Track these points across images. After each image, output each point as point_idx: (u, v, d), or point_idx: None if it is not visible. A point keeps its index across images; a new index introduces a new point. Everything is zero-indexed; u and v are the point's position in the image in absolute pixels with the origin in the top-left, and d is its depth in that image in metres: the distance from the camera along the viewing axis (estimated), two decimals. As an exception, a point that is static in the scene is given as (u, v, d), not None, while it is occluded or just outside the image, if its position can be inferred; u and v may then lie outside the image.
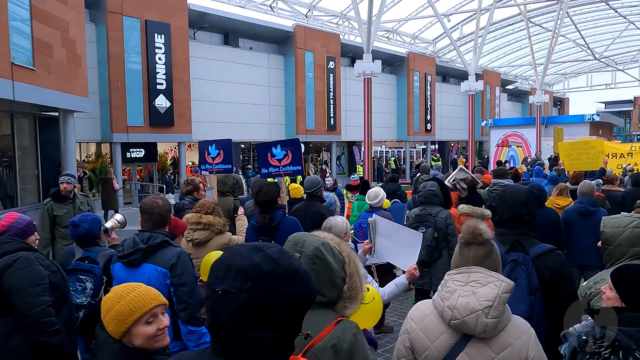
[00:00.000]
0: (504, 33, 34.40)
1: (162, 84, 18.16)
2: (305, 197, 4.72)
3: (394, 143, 32.70)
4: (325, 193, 7.06)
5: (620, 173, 10.30)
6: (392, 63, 30.84)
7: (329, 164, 26.29)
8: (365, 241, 3.27)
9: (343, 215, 6.67)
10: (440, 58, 33.90)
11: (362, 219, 5.12)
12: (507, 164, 16.78)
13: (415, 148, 34.19)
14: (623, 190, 7.86)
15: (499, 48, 37.31)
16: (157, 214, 2.69)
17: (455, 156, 35.37)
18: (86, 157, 18.96)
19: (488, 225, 4.74)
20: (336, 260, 1.64)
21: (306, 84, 23.84)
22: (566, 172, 9.45)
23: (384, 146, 32.68)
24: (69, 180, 5.58)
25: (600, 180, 7.58)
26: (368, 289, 1.82)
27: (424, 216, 4.36)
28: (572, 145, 9.52)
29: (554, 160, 13.07)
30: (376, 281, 3.18)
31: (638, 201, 5.09)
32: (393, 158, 30.17)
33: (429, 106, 32.07)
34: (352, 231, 5.17)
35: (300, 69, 23.51)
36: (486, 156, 32.23)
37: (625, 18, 30.71)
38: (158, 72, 18.06)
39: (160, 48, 18.06)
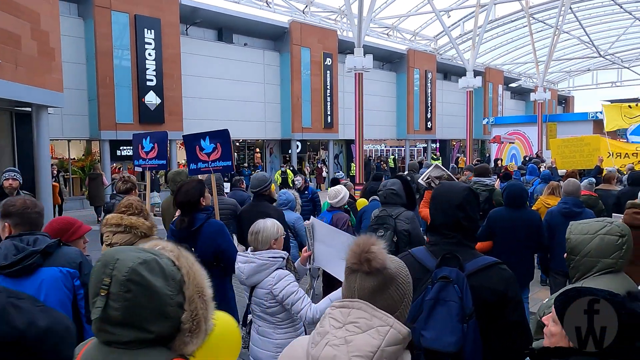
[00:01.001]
0: (506, 30, 33.78)
1: (152, 80, 17.79)
2: (252, 197, 4.25)
3: (394, 142, 32.18)
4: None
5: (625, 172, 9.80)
6: (391, 60, 30.35)
7: (326, 163, 25.84)
8: (304, 248, 2.84)
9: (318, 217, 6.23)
10: (442, 55, 33.34)
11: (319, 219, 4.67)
12: (499, 163, 16.21)
13: (415, 147, 33.66)
14: (620, 189, 7.37)
15: (502, 45, 36.70)
16: (35, 213, 2.31)
17: (458, 155, 34.84)
18: (82, 155, 18.60)
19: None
20: (168, 282, 1.20)
21: (302, 81, 23.40)
22: (558, 171, 8.94)
23: (383, 145, 32.16)
24: (14, 177, 5.20)
25: (593, 179, 7.07)
26: (215, 316, 1.35)
27: (384, 218, 3.90)
28: (564, 143, 9.01)
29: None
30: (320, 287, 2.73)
31: (629, 202, 4.60)
32: (392, 157, 29.65)
33: (429, 104, 31.53)
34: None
35: (296, 65, 23.07)
36: (488, 155, 31.69)
37: (631, 14, 30.01)
38: (148, 69, 17.69)
39: (150, 44, 17.69)
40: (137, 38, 17.31)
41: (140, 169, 5.20)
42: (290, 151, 23.79)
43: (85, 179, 15.57)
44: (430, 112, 31.78)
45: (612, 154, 11.99)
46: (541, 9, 29.27)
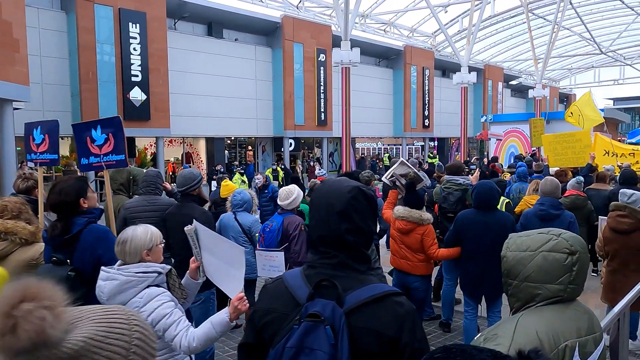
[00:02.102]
0: (506, 26, 33.18)
1: (137, 75, 17.31)
2: (179, 198, 3.75)
3: (391, 140, 31.65)
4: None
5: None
6: (388, 56, 29.80)
7: (320, 161, 25.32)
8: (192, 258, 2.35)
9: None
10: (440, 52, 32.75)
11: (268, 223, 4.17)
12: (487, 160, 15.57)
13: (413, 145, 33.13)
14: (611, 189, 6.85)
15: (502, 42, 36.08)
16: None
17: (456, 153, 34.25)
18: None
19: (428, 233, 3.79)
20: None
21: (295, 77, 22.88)
22: (550, 169, 8.39)
23: (380, 143, 31.64)
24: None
25: (581, 178, 6.54)
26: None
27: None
28: (556, 138, 8.46)
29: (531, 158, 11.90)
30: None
31: (612, 204, 4.09)
32: (387, 154, 29.12)
33: (426, 101, 30.97)
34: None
35: (289, 61, 22.56)
36: (486, 153, 31.10)
37: (633, 9, 29.38)
38: (133, 64, 17.21)
39: (135, 38, 17.21)
40: (122, 32, 16.83)
41: (32, 164, 4.61)
42: (282, 149, 23.30)
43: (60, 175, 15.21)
44: (428, 110, 31.22)
45: (609, 153, 11.45)
46: (541, 4, 28.64)
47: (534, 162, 9.21)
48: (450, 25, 30.27)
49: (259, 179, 6.46)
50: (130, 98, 17.19)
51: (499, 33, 34.39)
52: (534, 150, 18.27)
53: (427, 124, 31.20)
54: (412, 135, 30.79)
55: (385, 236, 6.68)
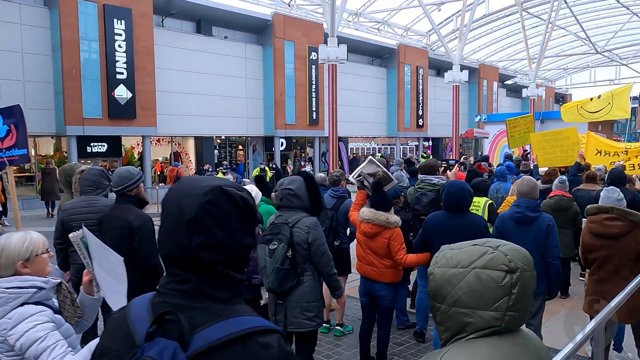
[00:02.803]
0: (500, 25, 32.91)
1: (122, 73, 16.96)
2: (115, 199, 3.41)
3: (385, 139, 31.33)
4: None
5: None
6: (381, 55, 29.52)
7: (312, 161, 24.99)
8: (85, 271, 2.02)
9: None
10: (435, 51, 32.45)
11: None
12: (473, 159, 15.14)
13: (407, 145, 32.83)
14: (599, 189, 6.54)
15: (498, 41, 35.84)
16: None
17: (450, 153, 33.96)
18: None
19: (395, 237, 3.47)
20: None
21: (286, 75, 22.56)
22: (539, 169, 8.07)
23: (373, 142, 31.32)
24: None
25: (564, 177, 6.24)
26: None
27: (279, 226, 3.08)
28: (544, 137, 8.15)
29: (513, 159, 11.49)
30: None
31: (589, 207, 3.78)
32: (379, 154, 28.78)
33: (420, 101, 30.68)
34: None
35: (279, 59, 22.23)
36: (481, 152, 30.82)
37: (628, 9, 29.14)
38: (118, 61, 16.86)
39: (121, 35, 16.86)
40: (106, 29, 16.47)
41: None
42: (273, 149, 22.97)
43: (39, 173, 15.01)
44: (422, 109, 30.93)
45: (602, 152, 11.16)
46: (535, 3, 28.38)
47: (522, 162, 8.90)
48: (445, 24, 30.00)
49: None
50: (115, 96, 16.84)
51: (494, 32, 34.14)
52: (527, 151, 17.90)
53: (421, 124, 30.91)
54: (405, 135, 30.50)
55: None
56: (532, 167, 7.94)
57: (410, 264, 3.85)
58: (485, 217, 5.92)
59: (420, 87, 30.54)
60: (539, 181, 7.51)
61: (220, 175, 12.09)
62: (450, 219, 3.66)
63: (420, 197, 4.36)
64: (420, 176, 4.61)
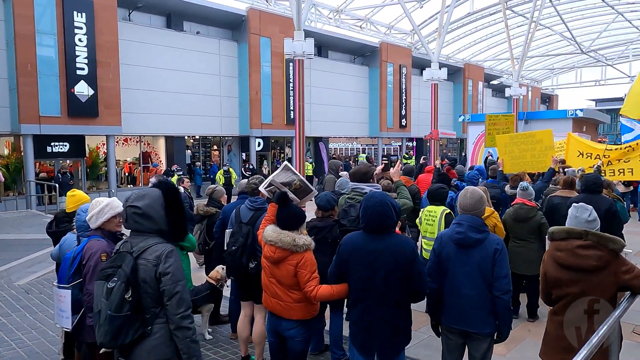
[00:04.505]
0: (485, 24, 32.40)
1: (83, 69, 16.03)
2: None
3: (367, 140, 30.62)
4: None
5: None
6: (363, 54, 28.79)
7: (291, 161, 24.16)
8: None
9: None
10: (419, 50, 31.78)
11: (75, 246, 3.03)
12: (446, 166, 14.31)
13: (391, 145, 32.16)
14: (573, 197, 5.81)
15: (482, 40, 35.34)
16: None
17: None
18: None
19: (304, 264, 2.70)
20: None
21: (262, 73, 21.72)
22: (503, 174, 7.32)
23: (355, 143, 30.59)
24: None
25: (526, 184, 5.50)
26: None
27: (122, 256, 2.29)
28: (513, 140, 7.42)
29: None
30: None
31: (555, 229, 2.99)
32: (363, 155, 28.07)
33: (404, 100, 29.99)
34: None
35: (255, 56, 21.39)
36: (464, 154, 30.22)
37: (613, 8, 28.75)
38: (78, 56, 15.92)
39: (81, 28, 15.92)
40: (65, 21, 15.53)
41: None
42: (249, 149, 22.13)
43: None
44: (405, 109, 30.25)
45: (583, 154, 10.49)
46: (520, 1, 27.84)
47: (490, 166, 8.16)
48: (430, 22, 29.35)
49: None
50: (76, 93, 15.89)
51: (479, 31, 33.63)
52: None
53: (404, 124, 30.23)
54: (388, 135, 29.80)
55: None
56: (498, 172, 7.22)
57: (323, 298, 3.05)
58: (442, 229, 5.18)
59: (404, 87, 29.87)
60: (507, 187, 6.80)
61: (176, 177, 11.26)
62: (370, 241, 2.88)
63: (348, 210, 3.57)
64: (351, 184, 3.83)
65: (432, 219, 5.34)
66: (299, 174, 3.46)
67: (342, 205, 3.89)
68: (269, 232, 3.11)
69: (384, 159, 19.33)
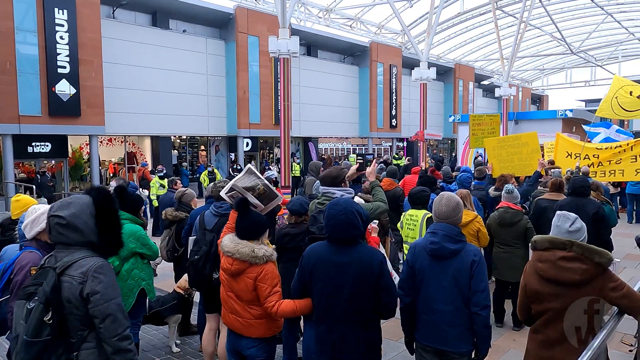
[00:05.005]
0: (476, 24, 32.27)
1: (64, 67, 15.64)
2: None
3: (357, 140, 30.40)
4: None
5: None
6: (353, 53, 28.56)
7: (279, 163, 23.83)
8: None
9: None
10: (410, 49, 31.61)
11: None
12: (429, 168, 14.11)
13: (381, 145, 31.95)
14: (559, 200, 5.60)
15: (473, 40, 35.25)
16: None
17: (427, 154, 33.13)
18: None
19: (264, 277, 2.44)
20: None
21: (250, 72, 21.42)
22: (492, 178, 7.09)
23: (346, 143, 30.35)
24: None
25: (511, 186, 5.28)
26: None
27: (44, 272, 2.01)
28: (500, 143, 7.20)
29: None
30: None
31: (538, 238, 2.75)
32: (353, 155, 27.79)
33: (394, 100, 29.81)
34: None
35: (243, 55, 21.08)
36: (454, 154, 30.10)
37: (602, 9, 28.76)
38: (60, 54, 15.53)
39: (63, 25, 15.53)
40: (46, 18, 15.13)
41: None
42: (237, 149, 21.81)
43: None
44: (395, 109, 30.08)
45: (572, 155, 10.32)
46: (510, 1, 27.76)
47: (476, 168, 7.93)
48: (420, 21, 29.17)
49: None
50: (57, 92, 15.50)
51: (470, 31, 33.52)
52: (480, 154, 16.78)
53: (394, 124, 30.06)
54: (379, 135, 29.61)
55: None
56: (487, 175, 7.00)
57: (285, 314, 2.79)
58: (423, 234, 4.94)
59: (394, 86, 29.69)
60: (490, 189, 6.59)
61: (156, 179, 10.94)
62: (334, 253, 2.62)
63: (317, 216, 3.31)
64: (321, 188, 3.57)
65: (413, 224, 5.10)
66: (263, 178, 3.20)
67: (312, 211, 3.63)
68: (226, 242, 2.84)
69: (358, 158, 19.02)
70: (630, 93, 10.56)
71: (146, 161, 20.27)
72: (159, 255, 3.89)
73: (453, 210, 2.82)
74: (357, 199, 4.03)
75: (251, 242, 2.82)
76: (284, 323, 3.39)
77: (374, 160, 3.75)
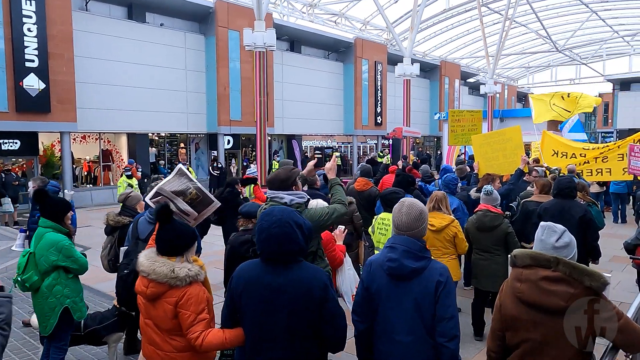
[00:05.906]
0: (462, 20, 32.02)
1: (32, 60, 14.94)
2: None
3: (342, 138, 29.96)
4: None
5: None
6: (337, 49, 28.08)
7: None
8: None
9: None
10: (395, 46, 31.22)
11: None
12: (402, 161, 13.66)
13: (367, 143, 31.55)
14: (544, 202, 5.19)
15: (459, 37, 35.03)
16: None
17: (411, 152, 32.82)
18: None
19: (187, 302, 1.98)
20: None
21: (230, 68, 20.84)
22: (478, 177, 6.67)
23: (330, 141, 29.90)
24: None
25: (490, 187, 4.84)
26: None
27: None
28: (486, 140, 6.79)
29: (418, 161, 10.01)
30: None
31: (518, 252, 2.29)
32: (337, 153, 27.36)
33: (379, 97, 29.42)
34: None
35: (223, 50, 20.50)
36: (440, 152, 29.81)
37: (587, 6, 28.67)
38: (27, 47, 14.83)
39: (30, 17, 14.83)
40: (12, 10, 14.43)
41: None
42: (218, 147, 21.22)
43: None
44: (381, 106, 29.69)
45: (558, 153, 9.99)
46: (495, -3, 27.49)
47: (456, 166, 7.51)
48: (405, 18, 28.78)
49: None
50: (24, 86, 14.80)
51: (456, 28, 33.28)
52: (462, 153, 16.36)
53: (379, 121, 29.68)
54: (364, 133, 29.22)
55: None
56: (470, 174, 6.57)
57: (212, 347, 2.31)
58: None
59: (379, 83, 29.29)
60: (472, 190, 6.16)
61: (123, 179, 10.38)
62: (267, 274, 2.15)
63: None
64: (269, 192, 3.08)
65: (385, 228, 4.65)
66: (196, 181, 2.72)
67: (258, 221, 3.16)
68: (142, 259, 2.36)
69: (316, 152, 18.47)
70: (562, 97, 10.94)
71: (121, 160, 19.62)
72: (87, 268, 3.38)
73: (415, 220, 2.36)
74: (316, 203, 3.56)
75: (172, 259, 2.34)
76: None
77: (334, 155, 3.38)
